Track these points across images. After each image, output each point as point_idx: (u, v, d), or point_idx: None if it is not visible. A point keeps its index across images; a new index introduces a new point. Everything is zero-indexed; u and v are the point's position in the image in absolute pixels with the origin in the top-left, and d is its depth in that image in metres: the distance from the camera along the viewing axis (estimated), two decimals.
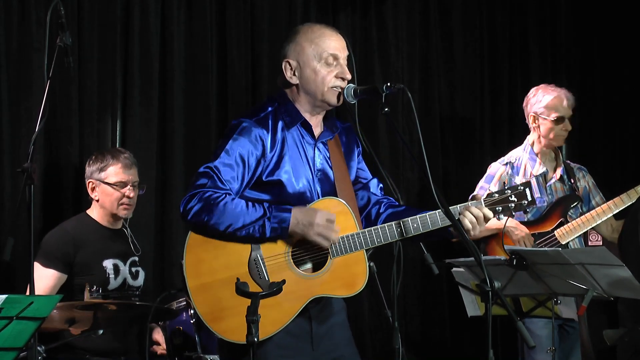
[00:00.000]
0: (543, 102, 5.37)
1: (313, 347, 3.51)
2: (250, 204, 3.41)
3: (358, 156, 3.73)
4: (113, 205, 4.90)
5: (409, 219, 3.49)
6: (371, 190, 3.72)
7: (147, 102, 5.58)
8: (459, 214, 3.49)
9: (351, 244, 3.47)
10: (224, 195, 3.41)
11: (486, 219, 3.51)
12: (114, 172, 4.90)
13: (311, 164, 3.56)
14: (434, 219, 3.50)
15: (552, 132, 5.34)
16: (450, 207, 3.47)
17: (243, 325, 3.17)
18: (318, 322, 3.52)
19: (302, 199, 3.49)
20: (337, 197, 3.54)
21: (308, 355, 3.50)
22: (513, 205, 3.56)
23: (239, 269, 3.42)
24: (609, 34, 6.86)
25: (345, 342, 3.62)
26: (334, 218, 3.42)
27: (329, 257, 3.46)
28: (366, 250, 3.50)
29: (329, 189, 3.57)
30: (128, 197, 4.90)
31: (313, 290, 3.45)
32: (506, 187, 3.59)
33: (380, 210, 3.66)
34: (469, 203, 3.54)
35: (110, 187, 4.88)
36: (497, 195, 3.57)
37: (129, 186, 4.91)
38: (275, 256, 3.44)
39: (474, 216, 3.47)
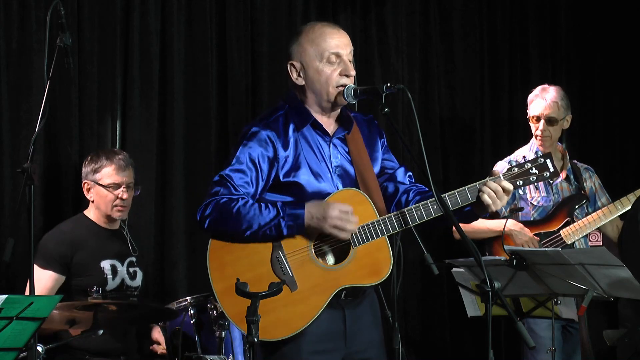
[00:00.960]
0: (529, 101, 5.42)
1: (346, 344, 3.53)
2: (263, 205, 3.44)
3: (383, 147, 3.73)
4: (107, 206, 4.90)
5: (428, 201, 3.48)
6: (398, 179, 3.71)
7: (147, 103, 5.58)
8: (478, 191, 3.49)
9: (372, 231, 3.47)
10: (237, 200, 3.43)
11: (506, 192, 3.48)
12: (108, 173, 4.90)
13: (328, 162, 3.57)
14: (454, 200, 3.49)
15: (534, 131, 5.36)
16: (470, 185, 3.49)
17: (271, 323, 3.23)
18: (352, 320, 3.54)
19: (323, 198, 3.50)
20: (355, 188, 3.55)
21: (341, 351, 3.52)
22: (535, 177, 3.53)
23: (262, 268, 3.44)
24: (609, 34, 6.86)
25: (376, 344, 3.64)
26: (349, 209, 3.42)
27: (351, 247, 3.47)
28: (388, 236, 3.50)
29: (350, 184, 3.58)
30: (121, 199, 4.89)
31: (339, 281, 3.46)
32: (526, 160, 3.55)
33: (409, 198, 3.66)
34: (488, 179, 3.52)
35: (103, 189, 4.88)
36: (516, 169, 3.54)
37: (122, 188, 4.89)
38: (297, 251, 3.46)
39: (492, 190, 3.46)
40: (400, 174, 3.72)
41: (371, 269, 3.49)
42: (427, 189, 3.66)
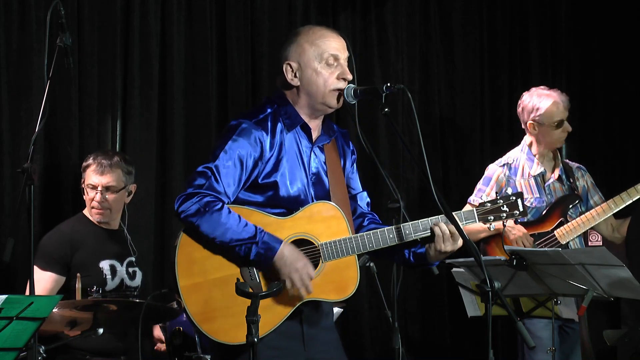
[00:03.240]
0: (541, 109, 5.33)
1: (305, 348, 3.51)
2: (243, 221, 3.39)
3: (352, 165, 3.72)
4: (88, 207, 4.90)
5: (401, 225, 3.48)
6: (358, 202, 3.71)
7: (147, 104, 5.58)
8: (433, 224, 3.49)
9: (343, 248, 3.46)
10: (220, 204, 3.39)
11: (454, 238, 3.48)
12: (89, 174, 4.89)
13: (306, 168, 3.55)
14: (425, 224, 3.50)
15: (553, 136, 5.35)
16: (423, 220, 3.49)
17: (234, 326, 3.18)
18: (309, 324, 3.52)
19: (296, 202, 3.48)
20: (330, 201, 3.53)
21: (300, 355, 3.50)
22: (505, 215, 3.59)
23: (230, 270, 3.41)
24: (609, 34, 6.86)
25: (334, 345, 3.63)
26: (312, 276, 3.40)
27: (320, 261, 3.46)
28: (358, 255, 3.50)
29: (323, 193, 3.56)
30: (95, 200, 4.87)
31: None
32: (498, 197, 3.61)
33: (364, 223, 3.66)
34: (462, 212, 3.55)
35: (84, 189, 4.89)
36: (489, 204, 3.60)
37: (97, 190, 4.86)
38: None
39: (441, 231, 3.46)
40: (361, 198, 3.72)
41: (337, 286, 3.48)
42: (380, 221, 3.66)
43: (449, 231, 3.44)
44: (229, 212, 3.39)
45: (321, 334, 3.56)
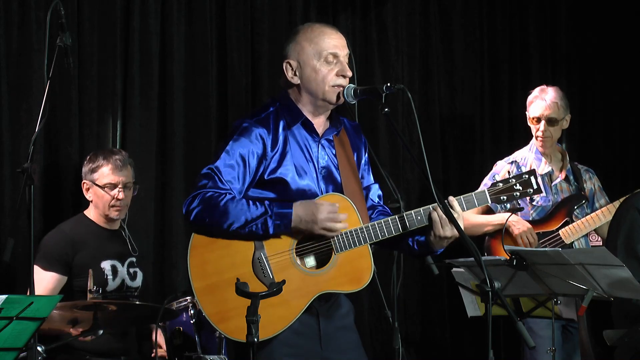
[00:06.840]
0: (528, 101, 5.42)
1: (322, 347, 3.51)
2: (251, 202, 3.43)
3: (365, 156, 3.72)
4: (105, 206, 4.90)
5: (412, 211, 3.49)
6: (370, 194, 3.72)
7: (147, 103, 5.58)
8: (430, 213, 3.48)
9: (355, 239, 3.47)
10: (224, 194, 3.42)
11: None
12: (104, 173, 4.89)
13: (315, 162, 3.57)
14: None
15: (534, 132, 5.37)
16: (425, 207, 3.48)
17: None
18: (326, 321, 3.53)
19: (306, 197, 3.49)
20: (340, 193, 3.54)
21: (317, 354, 3.50)
22: (518, 194, 3.54)
23: (243, 269, 3.43)
24: (608, 35, 6.86)
25: (353, 346, 3.62)
26: (336, 208, 3.42)
27: (333, 253, 3.47)
28: (370, 245, 3.50)
29: (335, 186, 3.58)
30: (117, 199, 4.89)
31: (319, 286, 3.46)
32: (510, 176, 3.56)
33: (372, 216, 3.67)
34: (473, 194, 3.53)
35: (100, 189, 4.88)
36: (501, 184, 3.55)
37: (118, 188, 4.88)
38: (279, 254, 3.45)
39: (439, 218, 3.45)
40: (373, 189, 3.74)
41: (352, 277, 3.49)
42: (391, 213, 3.65)
43: (440, 217, 3.43)
44: (234, 198, 3.43)
45: (340, 334, 3.56)
